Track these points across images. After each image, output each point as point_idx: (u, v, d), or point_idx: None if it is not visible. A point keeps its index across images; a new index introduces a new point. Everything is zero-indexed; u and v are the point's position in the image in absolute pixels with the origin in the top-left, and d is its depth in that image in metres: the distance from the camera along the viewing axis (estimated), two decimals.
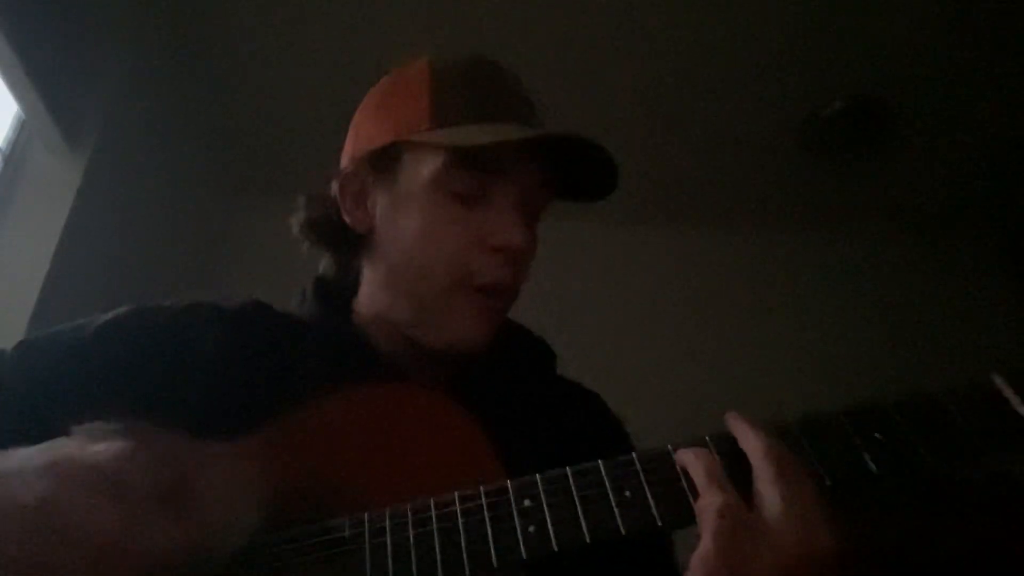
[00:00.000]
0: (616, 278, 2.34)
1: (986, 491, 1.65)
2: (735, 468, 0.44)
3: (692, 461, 0.45)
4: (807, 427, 0.47)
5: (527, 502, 0.45)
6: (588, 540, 0.44)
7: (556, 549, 0.44)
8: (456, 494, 0.46)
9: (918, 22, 1.78)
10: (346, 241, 0.67)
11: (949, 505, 1.66)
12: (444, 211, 0.60)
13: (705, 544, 0.41)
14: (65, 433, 0.41)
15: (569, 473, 0.46)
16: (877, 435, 0.45)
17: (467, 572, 0.43)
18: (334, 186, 0.67)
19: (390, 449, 0.51)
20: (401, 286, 0.63)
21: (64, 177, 1.54)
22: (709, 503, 0.42)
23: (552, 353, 0.73)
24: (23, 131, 1.57)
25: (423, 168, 0.60)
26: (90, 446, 0.39)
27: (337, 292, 0.69)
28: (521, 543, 0.44)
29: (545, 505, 0.45)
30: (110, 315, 0.62)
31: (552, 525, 0.44)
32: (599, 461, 0.46)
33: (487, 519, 0.45)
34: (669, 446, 0.47)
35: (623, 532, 0.44)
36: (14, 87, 1.45)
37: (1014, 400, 0.45)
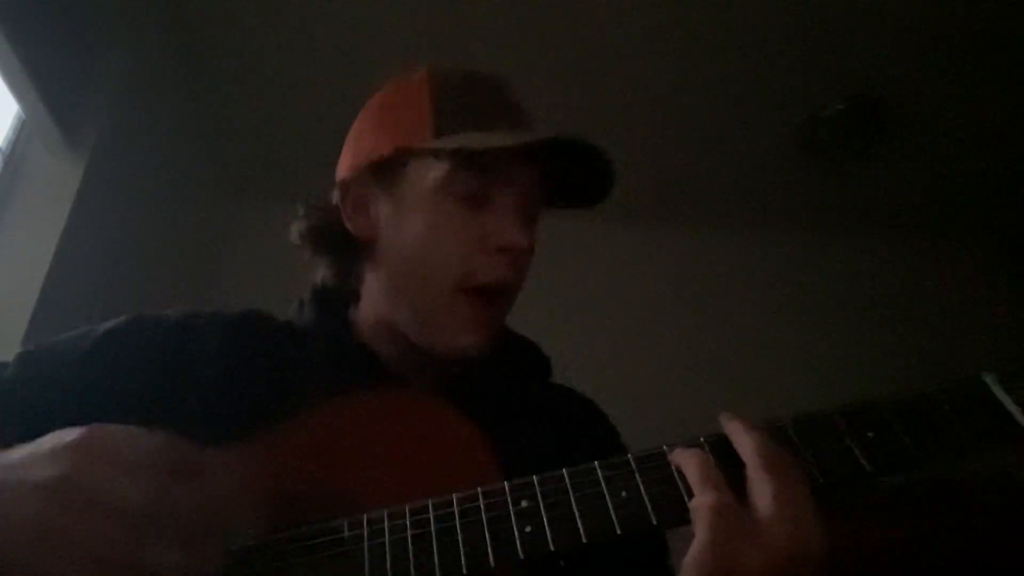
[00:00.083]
0: (616, 278, 2.34)
1: (986, 491, 1.66)
2: (729, 468, 0.45)
3: (686, 461, 0.45)
4: (800, 426, 0.47)
5: (524, 503, 0.45)
6: (584, 540, 0.44)
7: (553, 549, 0.44)
8: (454, 495, 0.46)
9: (918, 22, 1.78)
10: (347, 248, 0.68)
11: (949, 505, 1.66)
12: (448, 214, 0.61)
13: (699, 541, 0.42)
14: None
15: (566, 474, 0.47)
16: (869, 433, 0.46)
17: (465, 572, 0.44)
18: (335, 195, 0.68)
19: (390, 453, 0.52)
20: (404, 290, 0.64)
21: (64, 177, 1.55)
22: (703, 502, 0.43)
23: (547, 360, 0.74)
24: (23, 131, 1.57)
25: (427, 174, 0.62)
26: (89, 462, 0.39)
27: (335, 300, 0.70)
28: (518, 543, 0.44)
29: (542, 506, 0.45)
30: (110, 324, 0.63)
31: (549, 525, 0.44)
32: (595, 462, 0.47)
33: (484, 520, 0.45)
34: (664, 447, 0.47)
35: (619, 532, 0.44)
36: (14, 87, 1.45)
37: (1004, 398, 0.46)
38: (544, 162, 0.63)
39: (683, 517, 0.44)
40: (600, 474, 0.46)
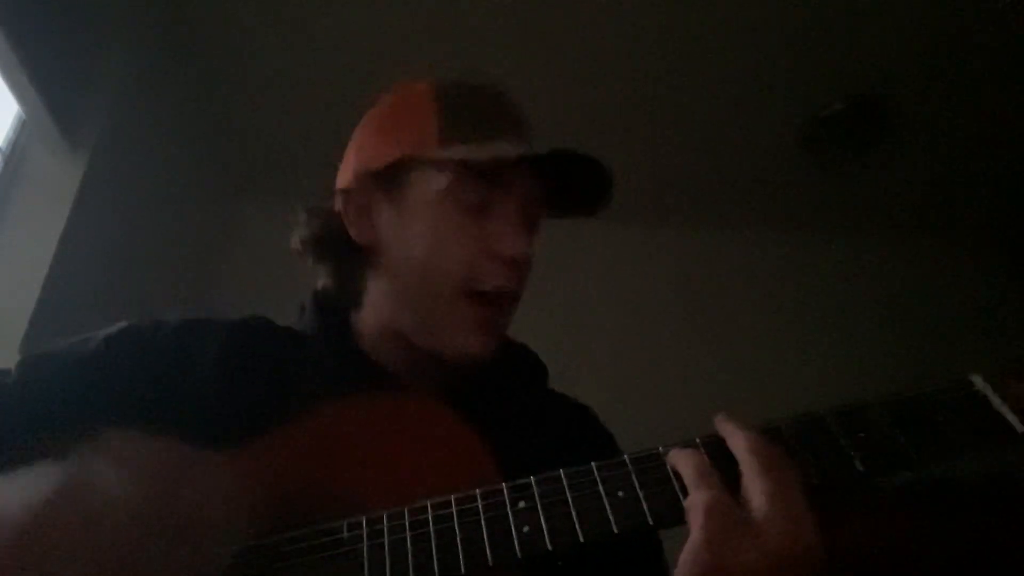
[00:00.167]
0: (616, 278, 2.34)
1: (986, 491, 1.66)
2: (724, 468, 0.45)
3: (682, 461, 0.46)
4: (793, 427, 0.48)
5: (522, 503, 0.46)
6: (582, 540, 0.45)
7: (550, 549, 0.44)
8: (452, 497, 0.47)
9: (918, 22, 1.78)
10: (349, 255, 0.69)
11: (949, 505, 1.66)
12: (452, 222, 0.63)
13: (694, 539, 0.42)
14: (67, 449, 0.42)
15: (563, 475, 0.47)
16: (862, 434, 0.47)
17: (463, 571, 0.44)
18: (337, 201, 0.69)
19: (390, 456, 0.52)
20: (408, 295, 0.65)
21: (64, 177, 1.55)
22: (697, 500, 0.43)
23: (544, 368, 0.75)
24: (23, 131, 1.57)
25: (432, 182, 0.63)
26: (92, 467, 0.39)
27: (336, 305, 0.71)
28: (516, 543, 0.45)
29: (539, 506, 0.46)
30: (110, 330, 0.64)
31: (546, 525, 0.45)
32: (592, 463, 0.48)
33: (483, 520, 0.46)
34: (660, 448, 0.48)
35: (616, 531, 0.45)
36: (14, 87, 1.45)
37: (993, 398, 0.46)
38: (545, 172, 0.64)
39: (679, 516, 0.45)
40: (597, 475, 0.47)
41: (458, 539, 0.45)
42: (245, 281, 2.02)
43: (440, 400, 0.57)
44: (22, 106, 1.50)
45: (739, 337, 2.29)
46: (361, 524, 0.47)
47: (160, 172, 1.88)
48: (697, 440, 0.48)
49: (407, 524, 0.46)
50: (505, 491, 0.47)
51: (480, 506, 0.46)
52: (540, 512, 0.45)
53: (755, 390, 1.80)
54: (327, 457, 0.52)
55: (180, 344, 0.63)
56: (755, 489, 0.43)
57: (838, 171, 2.23)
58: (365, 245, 0.67)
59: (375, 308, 0.68)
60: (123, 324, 0.64)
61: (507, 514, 0.46)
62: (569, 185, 0.66)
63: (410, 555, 0.45)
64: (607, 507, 0.45)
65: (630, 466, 0.47)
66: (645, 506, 0.45)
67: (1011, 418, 0.45)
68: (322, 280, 0.72)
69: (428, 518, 0.46)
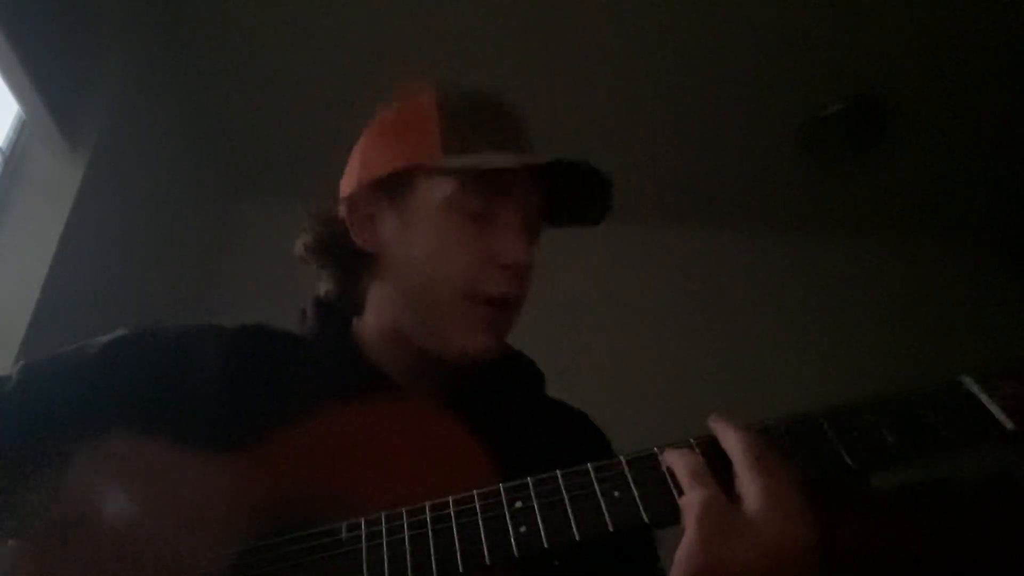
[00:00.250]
0: (616, 277, 2.34)
1: (986, 491, 1.66)
2: (719, 467, 0.46)
3: (676, 461, 0.47)
4: (786, 426, 0.49)
5: (519, 503, 0.47)
6: (578, 538, 0.45)
7: (547, 547, 0.45)
8: (450, 498, 0.47)
9: (918, 23, 1.78)
10: (352, 260, 0.70)
11: (949, 505, 1.66)
12: (456, 230, 0.64)
13: (689, 536, 0.43)
14: (68, 454, 0.42)
15: (559, 475, 0.48)
16: (854, 432, 0.47)
17: (461, 571, 0.45)
18: (341, 208, 0.70)
19: (389, 459, 0.53)
20: (413, 300, 0.66)
21: (64, 177, 1.55)
22: (692, 498, 0.44)
23: (541, 373, 0.76)
24: (23, 131, 1.57)
25: (436, 190, 0.65)
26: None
27: (338, 310, 0.72)
28: (513, 542, 0.45)
29: (536, 506, 0.46)
30: (111, 336, 0.64)
31: (543, 524, 0.46)
32: (588, 464, 0.48)
33: (480, 520, 0.46)
34: (655, 448, 0.49)
35: (611, 530, 0.45)
36: (14, 87, 1.45)
37: (982, 396, 0.47)
38: (547, 181, 0.66)
39: (674, 515, 0.45)
40: (593, 475, 0.47)
41: (456, 539, 0.45)
42: (245, 281, 2.02)
43: (439, 404, 0.58)
44: (22, 106, 1.50)
45: (739, 337, 2.29)
46: (360, 525, 0.47)
47: (160, 172, 1.88)
48: (692, 440, 0.49)
49: (405, 525, 0.47)
50: (502, 492, 0.47)
51: (478, 506, 0.47)
52: (537, 512, 0.46)
53: (755, 390, 1.80)
54: (327, 460, 0.53)
55: (181, 349, 0.64)
56: (749, 487, 0.44)
57: (838, 171, 2.23)
58: (369, 251, 0.68)
59: (377, 311, 0.69)
60: (124, 330, 0.65)
61: (504, 514, 0.46)
62: (570, 194, 0.67)
63: (408, 555, 0.45)
64: (603, 506, 0.46)
65: (625, 466, 0.48)
66: (640, 505, 0.46)
67: (1000, 415, 0.46)
68: (324, 285, 0.73)
69: (426, 519, 0.47)
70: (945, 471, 1.65)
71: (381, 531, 0.47)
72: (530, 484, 0.47)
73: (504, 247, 0.63)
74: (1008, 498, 1.63)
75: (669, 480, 0.47)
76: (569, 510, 0.46)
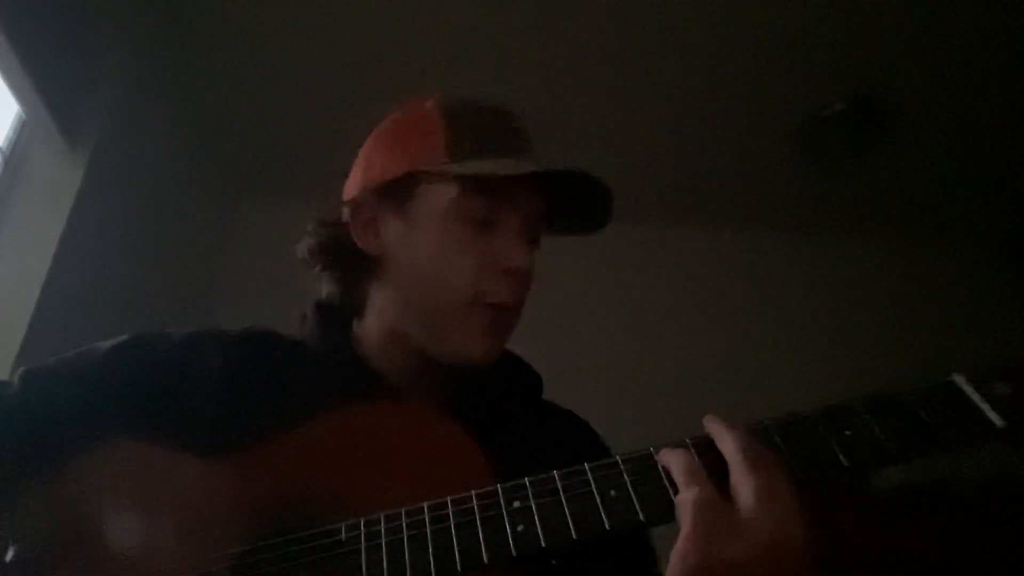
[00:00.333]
0: (616, 278, 2.34)
1: (986, 491, 1.66)
2: (714, 467, 0.46)
3: (672, 460, 0.47)
4: (780, 426, 0.49)
5: (516, 503, 0.47)
6: (575, 537, 0.45)
7: (544, 546, 0.45)
8: (448, 498, 0.48)
9: (918, 23, 1.78)
10: (355, 264, 0.71)
11: (949, 505, 1.67)
12: (459, 235, 0.65)
13: (684, 534, 0.44)
14: (69, 458, 0.42)
15: (556, 475, 0.48)
16: (847, 432, 0.48)
17: (459, 570, 0.45)
18: (345, 212, 0.71)
19: (389, 462, 0.53)
20: (415, 303, 0.66)
21: (64, 177, 1.55)
22: (687, 496, 0.45)
23: (539, 378, 0.77)
24: (23, 131, 1.57)
25: (439, 196, 0.65)
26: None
27: (338, 314, 0.72)
28: (511, 541, 0.45)
29: (533, 505, 0.47)
30: (113, 342, 0.65)
31: (540, 524, 0.46)
32: (585, 464, 0.49)
33: (478, 519, 0.47)
34: (651, 448, 0.49)
35: (608, 528, 0.46)
36: (14, 87, 1.45)
37: (974, 395, 0.47)
38: (548, 189, 0.66)
39: (670, 513, 0.46)
40: (590, 475, 0.48)
41: (454, 538, 0.46)
42: (245, 281, 2.02)
43: (438, 407, 0.59)
44: (22, 106, 1.50)
45: (739, 337, 2.29)
46: (359, 526, 0.48)
47: (160, 172, 1.88)
48: (688, 440, 0.49)
49: (404, 525, 0.47)
50: (500, 492, 0.48)
51: (476, 506, 0.47)
52: (534, 511, 0.46)
53: (754, 390, 1.80)
54: (327, 461, 0.53)
55: (183, 355, 0.64)
56: (743, 486, 0.44)
57: (838, 171, 2.23)
58: (371, 255, 0.69)
59: (378, 314, 0.70)
60: (126, 336, 0.66)
61: (502, 514, 0.47)
62: (572, 202, 0.68)
63: (407, 555, 0.46)
64: (600, 505, 0.46)
65: (622, 466, 0.48)
66: (637, 504, 0.46)
67: (990, 413, 0.46)
68: (326, 288, 0.74)
69: (424, 519, 0.47)
70: (945, 471, 1.66)
71: (380, 531, 0.47)
72: (528, 484, 0.48)
73: (505, 252, 0.64)
74: (1008, 498, 1.63)
75: (665, 479, 0.47)
76: (566, 509, 0.46)
